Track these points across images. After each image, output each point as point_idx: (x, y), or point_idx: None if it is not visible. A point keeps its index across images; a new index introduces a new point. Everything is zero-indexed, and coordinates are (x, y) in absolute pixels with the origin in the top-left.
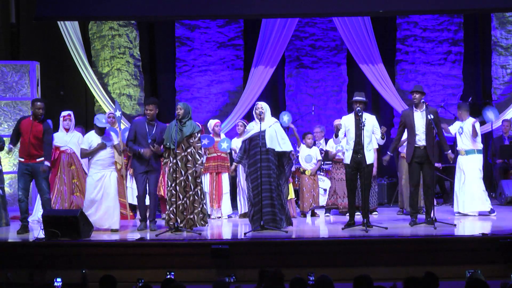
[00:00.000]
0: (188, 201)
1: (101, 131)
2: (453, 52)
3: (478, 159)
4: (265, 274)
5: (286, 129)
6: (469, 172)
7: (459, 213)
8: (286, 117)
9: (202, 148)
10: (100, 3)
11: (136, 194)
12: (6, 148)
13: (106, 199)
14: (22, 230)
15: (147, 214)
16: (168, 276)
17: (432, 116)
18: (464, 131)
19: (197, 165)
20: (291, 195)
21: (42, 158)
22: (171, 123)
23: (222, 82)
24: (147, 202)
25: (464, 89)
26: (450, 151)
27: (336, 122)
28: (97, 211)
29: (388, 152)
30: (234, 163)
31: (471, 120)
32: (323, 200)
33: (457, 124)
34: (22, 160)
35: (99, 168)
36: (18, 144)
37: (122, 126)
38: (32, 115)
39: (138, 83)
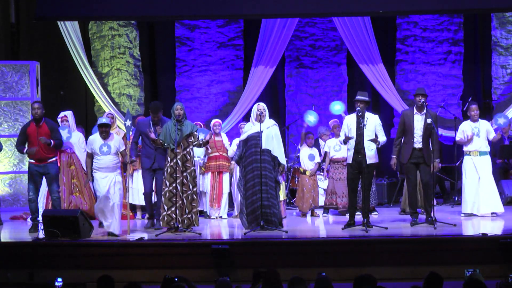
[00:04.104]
0: (186, 201)
1: (105, 132)
2: (453, 52)
3: (490, 159)
4: (260, 275)
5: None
6: (484, 173)
7: (467, 214)
8: (312, 118)
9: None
10: (100, 3)
11: (138, 194)
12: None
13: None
14: (33, 229)
15: (155, 212)
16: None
17: (430, 120)
18: (481, 132)
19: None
20: (282, 196)
21: (54, 159)
22: (168, 123)
23: (222, 82)
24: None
25: (464, 89)
26: (438, 159)
27: (334, 123)
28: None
29: (393, 156)
30: (233, 162)
31: (485, 122)
32: (322, 200)
33: (468, 124)
34: (33, 161)
35: (102, 171)
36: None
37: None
38: (33, 119)
39: (138, 83)
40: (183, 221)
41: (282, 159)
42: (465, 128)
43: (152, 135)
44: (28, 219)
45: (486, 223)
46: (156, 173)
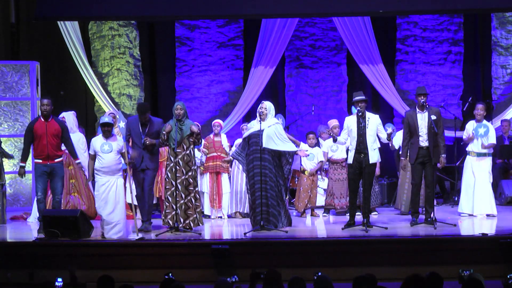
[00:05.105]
0: (194, 200)
1: (107, 132)
2: (453, 52)
3: (489, 162)
4: (257, 275)
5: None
6: (480, 175)
7: (463, 213)
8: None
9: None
10: (100, 3)
11: (135, 194)
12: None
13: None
14: (42, 229)
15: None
16: (167, 277)
17: (435, 117)
18: (480, 133)
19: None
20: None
21: (61, 159)
22: (169, 122)
23: (222, 82)
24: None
25: (464, 89)
26: (444, 155)
27: (333, 123)
28: (114, 210)
29: (403, 158)
30: (229, 157)
31: (489, 125)
32: (322, 200)
33: (471, 124)
34: (40, 161)
35: (104, 174)
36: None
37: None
38: (41, 115)
39: (138, 83)
40: (193, 220)
41: (292, 147)
42: (468, 127)
43: (151, 141)
44: (28, 219)
45: (485, 223)
46: (145, 173)
